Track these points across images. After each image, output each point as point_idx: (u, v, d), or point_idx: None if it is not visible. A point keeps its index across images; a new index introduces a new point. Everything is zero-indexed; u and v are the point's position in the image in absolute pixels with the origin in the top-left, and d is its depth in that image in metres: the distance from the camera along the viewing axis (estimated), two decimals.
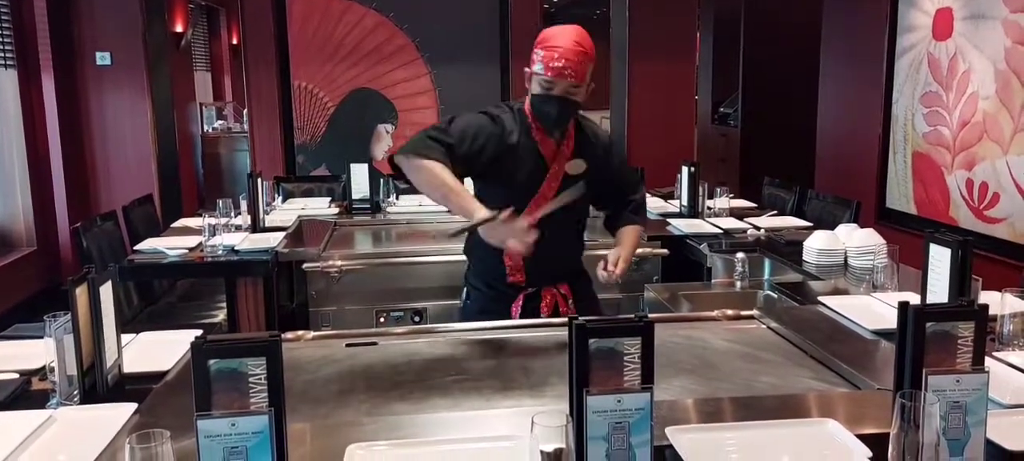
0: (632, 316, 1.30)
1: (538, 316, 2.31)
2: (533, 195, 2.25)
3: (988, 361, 1.63)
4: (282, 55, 6.04)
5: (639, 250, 3.42)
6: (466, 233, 2.24)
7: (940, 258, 1.92)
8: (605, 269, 2.27)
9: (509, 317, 2.32)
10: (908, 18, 4.90)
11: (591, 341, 1.26)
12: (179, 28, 7.50)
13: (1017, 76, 4.04)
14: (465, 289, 2.47)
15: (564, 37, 2.17)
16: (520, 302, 2.33)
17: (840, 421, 1.46)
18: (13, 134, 5.47)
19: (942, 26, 4.59)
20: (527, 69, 2.23)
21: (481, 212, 2.06)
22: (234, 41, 10.81)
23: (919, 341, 1.30)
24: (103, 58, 5.87)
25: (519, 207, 2.19)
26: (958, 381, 1.27)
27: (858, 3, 5.48)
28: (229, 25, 11.05)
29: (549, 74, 2.15)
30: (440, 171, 2.12)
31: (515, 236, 2.06)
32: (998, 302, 1.85)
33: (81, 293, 1.64)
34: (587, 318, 1.29)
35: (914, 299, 1.97)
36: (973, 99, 4.35)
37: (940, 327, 1.30)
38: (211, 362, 1.21)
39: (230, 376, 1.21)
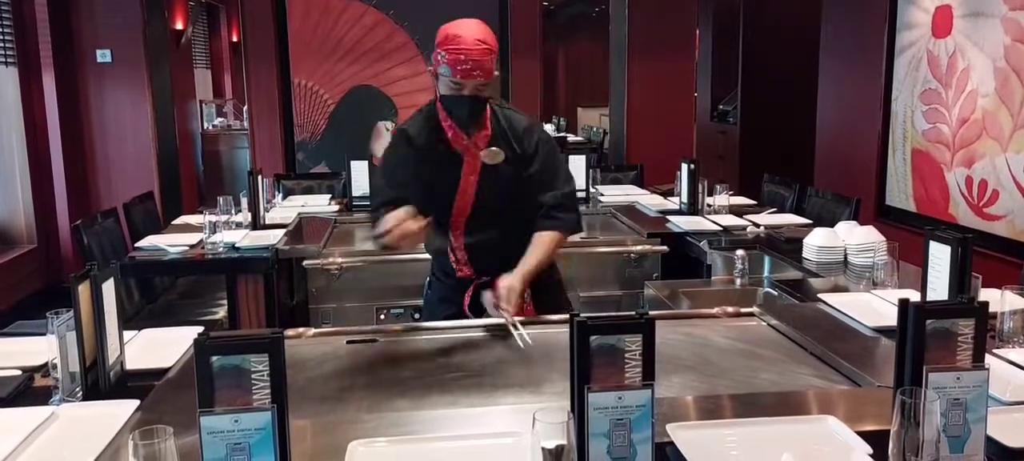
0: (633, 313, 1.30)
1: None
2: (455, 190, 2.29)
3: (988, 358, 1.64)
4: (282, 52, 6.04)
5: (638, 247, 3.45)
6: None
7: (940, 255, 1.93)
8: (492, 301, 2.22)
9: (462, 306, 2.37)
10: (907, 15, 4.90)
11: (592, 338, 1.26)
12: (179, 25, 7.49)
13: (1016, 74, 4.04)
14: (428, 278, 2.55)
15: (467, 36, 2.15)
16: (470, 292, 2.37)
17: (840, 418, 1.47)
18: (14, 131, 5.47)
19: (942, 23, 4.59)
20: (430, 68, 2.25)
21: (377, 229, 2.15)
22: (234, 38, 10.81)
23: (919, 338, 1.31)
24: (103, 55, 5.87)
25: (444, 204, 2.29)
26: (958, 378, 1.28)
27: (858, 1, 5.49)
28: (229, 22, 11.05)
29: (457, 76, 2.15)
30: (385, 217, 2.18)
31: (410, 233, 2.10)
32: (998, 299, 1.85)
33: (83, 290, 1.65)
34: (589, 315, 1.29)
35: (914, 296, 1.98)
36: (972, 96, 4.35)
37: (940, 324, 1.31)
38: (214, 359, 1.21)
39: (233, 373, 1.22)
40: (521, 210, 2.39)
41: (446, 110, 2.26)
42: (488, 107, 2.28)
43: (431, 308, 2.50)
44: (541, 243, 2.30)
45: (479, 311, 2.34)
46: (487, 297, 2.27)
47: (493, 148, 2.28)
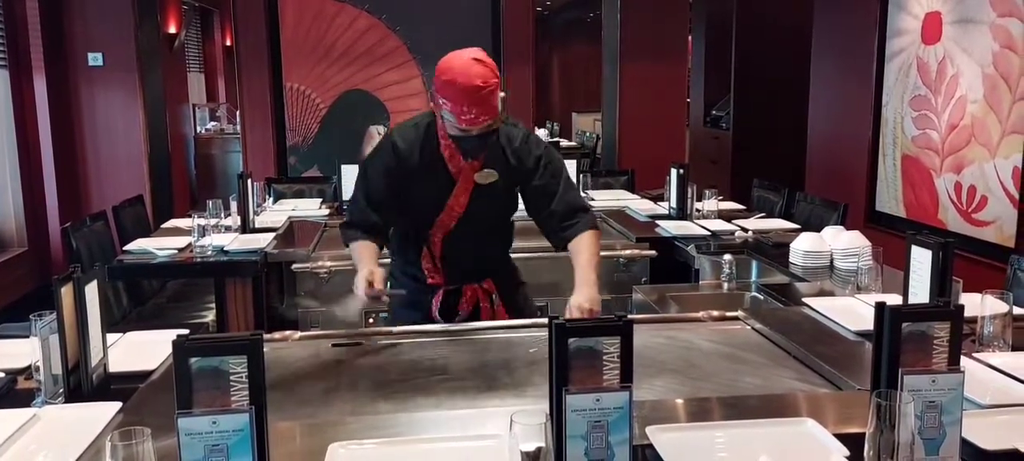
0: (612, 316, 1.31)
1: (457, 312, 2.33)
2: (441, 209, 2.25)
3: (968, 362, 1.65)
4: (275, 57, 6.04)
5: (627, 252, 3.46)
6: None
7: (921, 260, 1.94)
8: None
9: (430, 310, 2.34)
10: (897, 22, 4.93)
11: (571, 340, 1.27)
12: (172, 29, 7.49)
13: (1005, 80, 4.06)
14: (388, 283, 2.43)
15: (466, 84, 2.03)
16: (439, 298, 2.33)
17: (820, 421, 1.48)
18: (4, 134, 5.46)
19: (931, 30, 4.62)
20: (433, 104, 2.17)
21: (357, 286, 2.17)
22: (228, 42, 10.80)
23: (895, 341, 1.32)
24: (95, 58, 5.87)
25: (427, 221, 2.27)
26: (934, 381, 1.29)
27: (849, 7, 5.51)
28: (223, 26, 11.05)
29: (464, 124, 2.09)
30: (354, 248, 2.28)
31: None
32: (978, 304, 1.86)
33: (66, 292, 1.65)
34: (568, 319, 1.30)
35: (897, 301, 1.99)
36: (961, 103, 4.37)
37: (916, 327, 1.32)
38: (192, 360, 1.21)
39: (211, 374, 1.22)
40: (502, 222, 2.39)
41: (453, 140, 2.18)
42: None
43: (399, 314, 2.42)
44: (586, 246, 2.23)
45: (450, 316, 2.32)
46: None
47: (487, 169, 2.24)
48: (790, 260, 3.02)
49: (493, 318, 2.33)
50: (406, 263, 2.40)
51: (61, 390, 1.65)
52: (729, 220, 3.87)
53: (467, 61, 2.07)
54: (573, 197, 2.32)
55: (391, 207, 2.29)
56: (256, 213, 4.00)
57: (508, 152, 2.26)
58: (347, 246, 2.33)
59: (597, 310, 2.12)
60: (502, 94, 2.14)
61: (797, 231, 3.49)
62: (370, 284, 2.14)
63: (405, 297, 2.34)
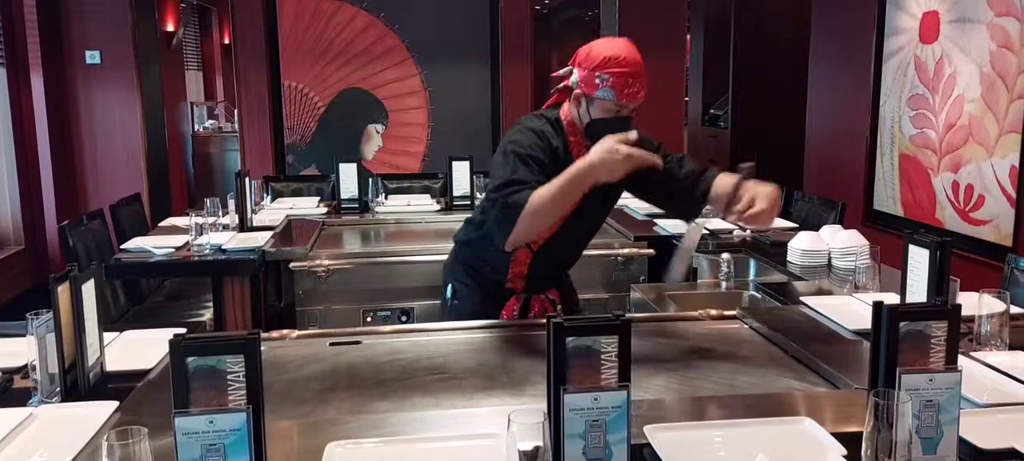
0: (610, 315, 1.31)
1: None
2: (573, 210, 2.12)
3: (965, 361, 1.65)
4: (273, 55, 6.04)
5: (625, 250, 3.46)
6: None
7: (919, 259, 1.94)
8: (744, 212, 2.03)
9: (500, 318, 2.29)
10: (895, 21, 4.93)
11: (568, 339, 1.27)
12: (170, 27, 7.49)
13: (1002, 79, 4.06)
14: (451, 286, 2.38)
15: (631, 57, 2.06)
16: (514, 306, 2.28)
17: (818, 420, 1.47)
18: (1, 132, 5.46)
19: (929, 29, 4.62)
20: (577, 91, 2.10)
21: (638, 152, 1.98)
22: (226, 41, 10.79)
23: (893, 340, 1.32)
24: (93, 57, 5.86)
25: (561, 224, 2.14)
26: (931, 380, 1.29)
27: (846, 6, 5.51)
28: (221, 24, 11.04)
29: (623, 99, 2.06)
30: (540, 193, 1.98)
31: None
32: (976, 303, 1.86)
33: (63, 291, 1.64)
34: (565, 316, 1.30)
35: (894, 300, 1.99)
36: (959, 102, 4.38)
37: (913, 327, 1.32)
38: (189, 360, 1.21)
39: (208, 374, 1.22)
40: (596, 229, 2.34)
41: (591, 134, 2.09)
42: None
43: (461, 319, 2.29)
44: (724, 178, 2.21)
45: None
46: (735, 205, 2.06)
47: None
48: (788, 259, 3.02)
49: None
50: (483, 263, 2.30)
51: (57, 389, 1.65)
52: (725, 218, 3.86)
53: (626, 42, 2.11)
54: (690, 164, 2.27)
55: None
56: (254, 212, 3.99)
57: None
58: (521, 215, 1.97)
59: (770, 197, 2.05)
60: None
61: (795, 230, 3.49)
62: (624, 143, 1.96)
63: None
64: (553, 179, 1.99)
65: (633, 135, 2.02)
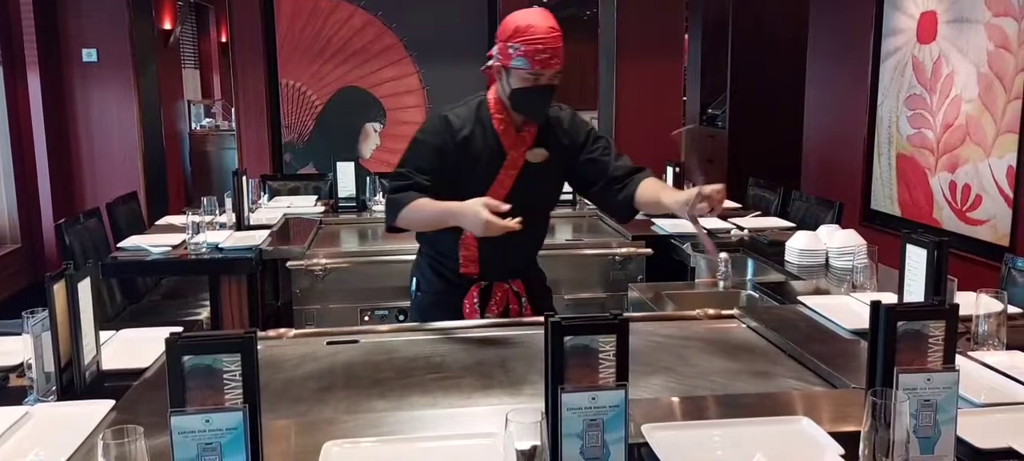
0: (607, 314, 1.31)
1: (486, 313, 2.30)
2: (489, 185, 2.21)
3: (963, 361, 1.65)
4: (270, 53, 6.02)
5: (623, 249, 3.46)
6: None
7: (916, 259, 1.94)
8: (698, 206, 2.03)
9: (461, 311, 2.30)
10: (893, 21, 4.93)
11: (566, 338, 1.26)
12: (167, 25, 7.47)
13: (999, 79, 4.07)
14: (415, 280, 2.42)
15: (541, 25, 2.11)
16: (474, 295, 2.30)
17: (815, 419, 1.47)
18: None
19: (926, 29, 4.62)
20: (495, 63, 2.17)
21: (499, 222, 2.04)
22: (223, 39, 10.77)
23: (891, 340, 1.32)
24: (89, 55, 5.84)
25: (473, 197, 2.16)
26: (929, 379, 1.29)
27: (844, 6, 5.51)
28: (218, 23, 11.01)
29: (536, 66, 2.10)
30: (421, 205, 2.15)
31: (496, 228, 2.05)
32: (973, 302, 1.86)
33: (59, 289, 1.64)
34: (563, 315, 1.30)
35: (892, 299, 1.99)
36: (956, 102, 4.38)
37: (911, 326, 1.32)
38: (186, 358, 1.21)
39: (205, 373, 1.21)
40: (544, 211, 2.37)
41: (513, 102, 2.18)
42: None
43: (424, 314, 2.35)
44: (653, 182, 2.24)
45: (480, 316, 2.27)
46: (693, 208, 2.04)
47: (538, 148, 2.23)
48: (786, 258, 3.03)
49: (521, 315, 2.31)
50: (438, 254, 2.35)
51: (53, 388, 1.64)
52: (725, 218, 3.87)
53: (538, 10, 2.16)
54: (625, 162, 2.32)
55: (442, 181, 2.20)
56: (251, 210, 3.99)
57: (559, 132, 2.28)
58: (400, 213, 2.17)
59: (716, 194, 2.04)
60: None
61: (793, 230, 3.50)
62: (490, 210, 2.03)
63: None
64: (432, 204, 2.14)
65: (505, 208, 2.05)
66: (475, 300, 2.31)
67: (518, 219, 2.05)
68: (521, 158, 2.24)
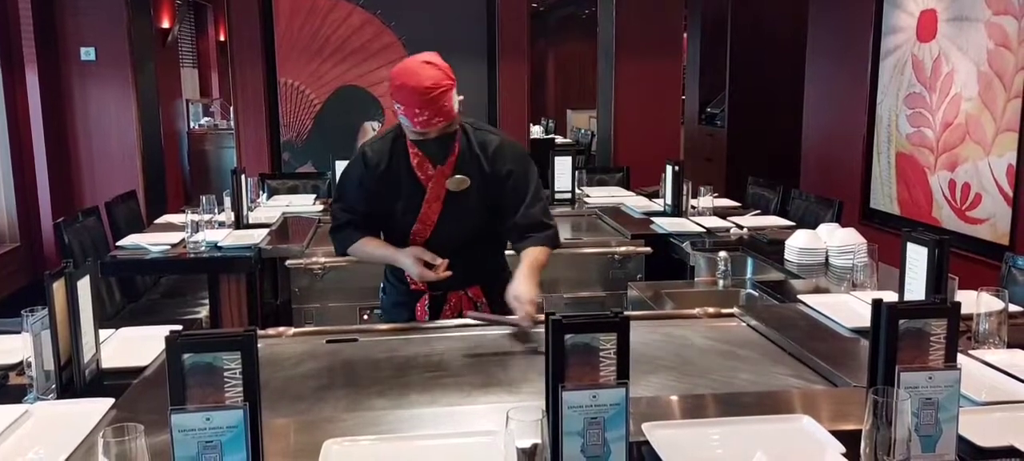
0: (608, 312, 1.30)
1: (442, 316, 2.33)
2: (416, 216, 2.25)
3: (963, 359, 1.65)
4: (268, 52, 6.02)
5: (622, 248, 3.45)
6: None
7: (917, 257, 1.94)
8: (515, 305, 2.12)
9: (416, 314, 2.35)
10: (893, 19, 4.93)
11: (567, 336, 1.26)
12: (166, 24, 7.46)
13: (999, 78, 4.07)
14: (382, 283, 2.49)
15: (417, 85, 2.04)
16: (424, 303, 2.34)
17: (816, 418, 1.47)
18: None
19: (926, 28, 4.62)
20: (393, 111, 2.17)
21: (423, 270, 2.20)
22: (222, 38, 10.76)
23: (892, 338, 1.31)
24: (88, 53, 5.83)
25: (402, 227, 2.27)
26: (930, 378, 1.28)
27: (844, 4, 5.52)
28: (216, 21, 11.00)
29: (417, 127, 2.08)
30: (365, 246, 2.32)
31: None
32: (974, 301, 1.86)
33: (58, 288, 1.64)
34: (564, 314, 1.30)
35: (892, 298, 1.99)
36: (956, 100, 4.38)
37: (913, 324, 1.32)
38: (185, 356, 1.20)
39: (205, 371, 1.21)
40: (480, 233, 2.34)
41: (419, 148, 2.20)
42: (459, 128, 2.22)
43: (388, 313, 2.45)
44: (532, 255, 2.22)
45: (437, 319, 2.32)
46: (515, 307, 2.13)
47: (458, 176, 2.22)
48: (785, 257, 3.02)
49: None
50: (391, 269, 2.42)
51: (53, 386, 1.64)
52: (724, 217, 3.87)
53: (418, 63, 2.09)
54: (536, 212, 2.28)
55: (370, 213, 2.31)
56: (250, 209, 3.98)
57: (483, 159, 2.24)
58: (346, 251, 2.35)
59: (536, 301, 2.10)
60: (459, 97, 2.14)
61: (792, 228, 3.50)
62: (423, 263, 2.19)
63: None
64: (375, 248, 2.33)
65: (441, 263, 2.20)
66: (425, 306, 2.35)
67: (446, 261, 2.19)
68: (442, 189, 2.23)
